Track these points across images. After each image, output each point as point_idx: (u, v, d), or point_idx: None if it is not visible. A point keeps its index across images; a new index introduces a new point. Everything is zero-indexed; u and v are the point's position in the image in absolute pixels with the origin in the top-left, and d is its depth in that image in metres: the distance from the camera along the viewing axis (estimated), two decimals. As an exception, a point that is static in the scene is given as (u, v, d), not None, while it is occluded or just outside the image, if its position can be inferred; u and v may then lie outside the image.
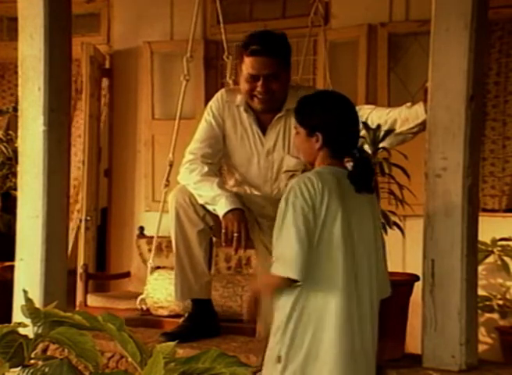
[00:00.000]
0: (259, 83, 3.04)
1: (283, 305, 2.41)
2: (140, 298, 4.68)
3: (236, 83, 5.54)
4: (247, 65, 3.04)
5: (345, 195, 2.43)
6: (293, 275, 2.34)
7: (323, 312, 2.38)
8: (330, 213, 2.39)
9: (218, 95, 3.28)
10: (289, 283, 2.37)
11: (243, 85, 3.09)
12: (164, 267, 5.21)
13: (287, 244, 2.37)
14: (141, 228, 5.92)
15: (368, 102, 5.54)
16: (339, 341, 2.37)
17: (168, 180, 4.78)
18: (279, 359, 2.38)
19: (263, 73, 3.03)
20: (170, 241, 5.63)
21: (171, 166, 4.79)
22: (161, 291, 4.65)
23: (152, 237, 5.04)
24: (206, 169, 3.16)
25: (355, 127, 2.54)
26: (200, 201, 3.12)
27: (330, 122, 2.49)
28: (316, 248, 2.38)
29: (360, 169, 2.46)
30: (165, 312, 4.61)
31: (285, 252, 2.37)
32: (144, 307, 4.66)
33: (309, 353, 2.37)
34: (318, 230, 2.38)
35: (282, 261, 2.37)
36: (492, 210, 5.15)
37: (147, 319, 4.54)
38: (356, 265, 2.42)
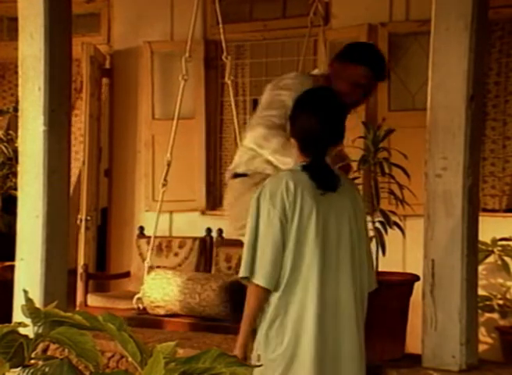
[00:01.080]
0: (359, 91, 2.99)
1: (266, 310, 2.40)
2: (136, 297, 4.68)
3: (235, 82, 5.55)
4: (358, 72, 2.97)
5: (318, 193, 2.40)
6: (263, 284, 2.35)
7: (301, 317, 2.38)
8: (304, 214, 2.37)
9: (297, 80, 3.00)
10: (263, 291, 2.37)
11: (345, 87, 2.96)
12: (164, 267, 5.22)
13: (254, 249, 2.37)
14: (141, 228, 5.92)
15: (367, 103, 5.54)
16: (314, 345, 2.36)
17: (166, 180, 4.79)
18: (258, 358, 2.38)
19: (364, 83, 2.99)
20: (169, 241, 5.68)
21: (169, 165, 4.79)
22: (158, 290, 4.65)
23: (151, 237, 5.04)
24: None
25: (325, 127, 2.47)
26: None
27: (300, 120, 2.50)
28: (292, 250, 2.37)
29: (312, 169, 2.41)
30: (161, 312, 4.62)
31: (252, 258, 2.37)
32: (141, 306, 4.66)
33: (288, 356, 2.37)
34: (293, 232, 2.37)
35: (252, 267, 2.37)
36: (493, 210, 5.14)
37: (143, 319, 4.55)
38: (334, 265, 2.40)
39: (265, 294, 2.37)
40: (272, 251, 2.34)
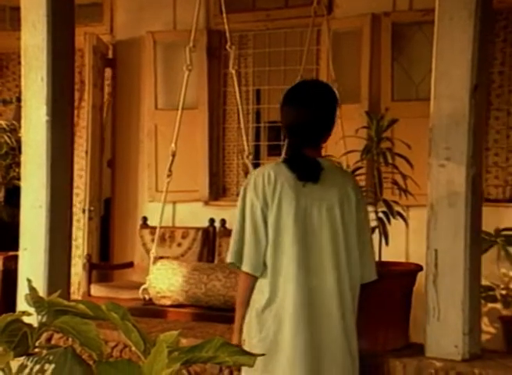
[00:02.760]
0: None
1: (253, 299, 2.47)
2: (142, 287, 4.69)
3: (238, 72, 5.53)
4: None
5: (300, 184, 2.45)
6: (250, 271, 2.45)
7: (283, 303, 2.42)
8: (283, 204, 2.43)
9: None
10: (249, 277, 2.47)
11: None
12: (167, 257, 5.22)
13: (241, 238, 2.48)
14: (144, 218, 5.92)
15: (371, 92, 5.53)
16: (293, 333, 2.40)
17: (170, 170, 4.78)
18: (243, 343, 2.44)
19: None
20: (173, 231, 5.69)
21: (173, 156, 4.78)
22: (163, 280, 4.66)
23: (155, 228, 5.04)
24: None
25: (301, 118, 2.51)
26: None
27: (281, 112, 2.56)
28: (272, 239, 2.43)
29: (291, 161, 2.48)
30: (167, 302, 4.63)
31: (239, 246, 2.48)
32: (147, 297, 4.67)
33: (269, 342, 2.42)
34: (273, 222, 2.43)
35: (240, 255, 2.48)
36: (496, 200, 5.14)
37: (149, 309, 4.56)
38: (316, 255, 2.44)
39: (253, 280, 2.47)
40: (256, 239, 2.44)
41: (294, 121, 2.52)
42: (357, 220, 2.51)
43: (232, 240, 2.52)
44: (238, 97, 4.56)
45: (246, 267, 2.46)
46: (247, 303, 2.49)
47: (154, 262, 4.81)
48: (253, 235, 2.44)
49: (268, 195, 2.43)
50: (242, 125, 4.43)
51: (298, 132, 2.50)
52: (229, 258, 2.53)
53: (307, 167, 2.46)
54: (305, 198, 2.45)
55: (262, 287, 2.45)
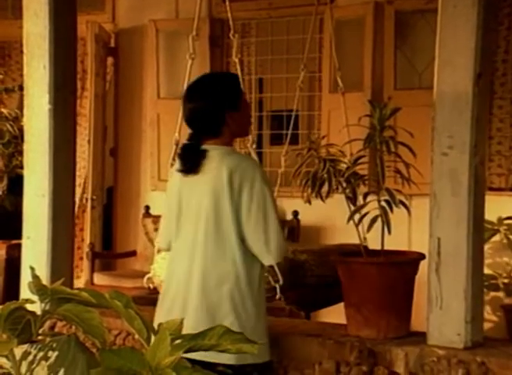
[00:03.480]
0: None
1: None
2: (147, 276, 4.69)
3: (241, 61, 5.51)
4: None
5: (185, 175, 2.65)
6: (160, 245, 2.99)
7: (170, 279, 2.72)
8: (172, 193, 2.71)
9: None
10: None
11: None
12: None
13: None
14: (147, 207, 5.93)
15: (373, 81, 5.51)
16: (166, 313, 2.62)
17: (174, 159, 4.77)
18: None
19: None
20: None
21: (177, 144, 4.77)
22: (167, 269, 4.66)
23: (158, 217, 5.04)
24: None
25: (183, 111, 2.72)
26: None
27: None
28: (168, 224, 2.75)
29: (179, 153, 2.69)
30: (171, 291, 4.63)
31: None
32: (151, 286, 4.67)
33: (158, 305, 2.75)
34: (167, 208, 2.76)
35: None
36: (499, 189, 5.14)
37: (154, 298, 4.56)
38: (190, 241, 2.63)
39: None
40: (163, 223, 2.81)
41: (184, 115, 2.72)
42: (238, 205, 2.55)
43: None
44: (241, 86, 4.55)
45: (160, 243, 2.95)
46: None
47: (159, 252, 4.81)
48: (166, 215, 2.79)
49: (170, 186, 2.75)
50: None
51: (189, 125, 2.69)
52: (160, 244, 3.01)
53: (186, 160, 2.64)
54: (187, 186, 2.65)
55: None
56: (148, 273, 4.72)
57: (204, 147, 2.64)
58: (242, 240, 2.58)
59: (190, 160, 2.63)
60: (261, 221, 2.58)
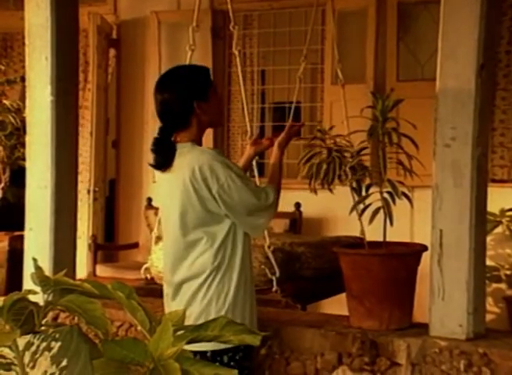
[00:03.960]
0: None
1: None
2: (144, 267, 4.70)
3: (243, 53, 5.50)
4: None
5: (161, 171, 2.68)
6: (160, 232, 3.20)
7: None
8: (156, 188, 2.82)
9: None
10: None
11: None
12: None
13: None
14: (149, 199, 5.93)
15: (376, 73, 5.50)
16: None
17: (176, 151, 4.77)
18: None
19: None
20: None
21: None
22: (166, 260, 4.66)
23: (160, 208, 5.05)
24: None
25: (158, 109, 2.68)
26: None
27: None
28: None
29: (151, 149, 2.68)
30: (170, 282, 4.63)
31: None
32: (149, 276, 4.68)
33: None
34: (159, 201, 2.88)
35: None
36: (501, 180, 5.13)
37: (152, 289, 4.57)
38: (167, 233, 2.73)
39: None
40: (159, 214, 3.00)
41: (155, 108, 2.70)
42: (209, 199, 2.55)
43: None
44: (241, 77, 4.54)
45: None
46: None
47: (156, 242, 4.82)
48: None
49: (157, 179, 2.77)
50: (245, 106, 4.41)
51: (160, 117, 2.68)
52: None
53: (156, 153, 2.65)
54: (163, 182, 2.69)
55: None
56: (147, 263, 4.73)
57: (176, 143, 2.65)
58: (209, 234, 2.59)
59: (160, 155, 2.64)
60: (246, 194, 2.59)
